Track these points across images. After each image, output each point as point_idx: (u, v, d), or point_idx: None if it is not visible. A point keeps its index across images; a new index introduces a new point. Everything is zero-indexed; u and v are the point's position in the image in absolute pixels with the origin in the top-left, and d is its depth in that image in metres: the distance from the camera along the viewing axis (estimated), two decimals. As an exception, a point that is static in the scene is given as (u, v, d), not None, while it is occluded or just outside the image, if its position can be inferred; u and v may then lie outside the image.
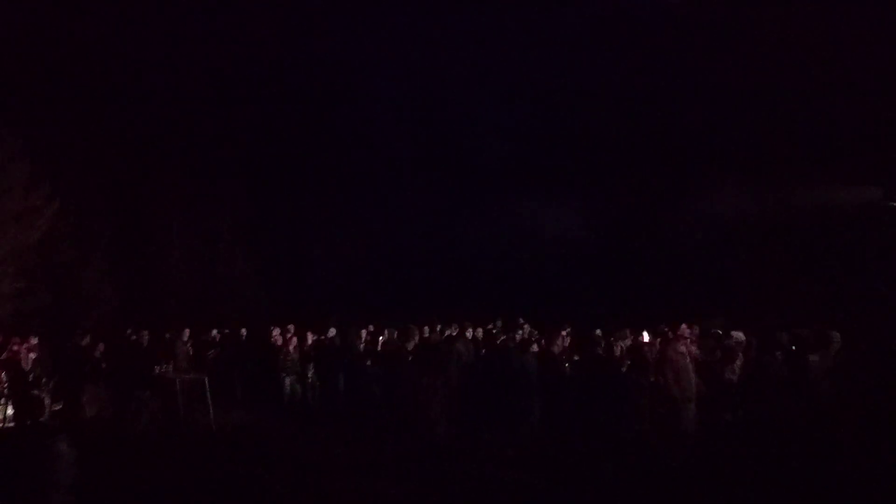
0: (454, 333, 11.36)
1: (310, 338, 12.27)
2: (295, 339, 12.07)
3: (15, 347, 10.87)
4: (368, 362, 10.68)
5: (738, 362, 8.26)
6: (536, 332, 11.66)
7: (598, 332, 10.48)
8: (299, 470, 8.04)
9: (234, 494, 7.26)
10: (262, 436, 10.18)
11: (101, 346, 11.56)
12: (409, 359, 8.41)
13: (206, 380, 11.21)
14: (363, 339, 11.89)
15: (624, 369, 8.31)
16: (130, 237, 18.28)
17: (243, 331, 13.38)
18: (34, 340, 11.33)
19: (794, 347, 8.06)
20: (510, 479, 7.47)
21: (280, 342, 12.12)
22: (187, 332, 13.26)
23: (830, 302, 14.10)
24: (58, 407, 11.00)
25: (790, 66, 16.37)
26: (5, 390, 10.65)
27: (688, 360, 8.26)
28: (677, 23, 17.81)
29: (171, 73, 19.07)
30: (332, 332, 12.26)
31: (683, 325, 9.84)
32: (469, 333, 11.28)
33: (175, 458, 8.89)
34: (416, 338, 9.24)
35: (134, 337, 12.28)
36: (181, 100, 18.96)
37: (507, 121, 21.87)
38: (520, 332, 11.66)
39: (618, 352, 9.02)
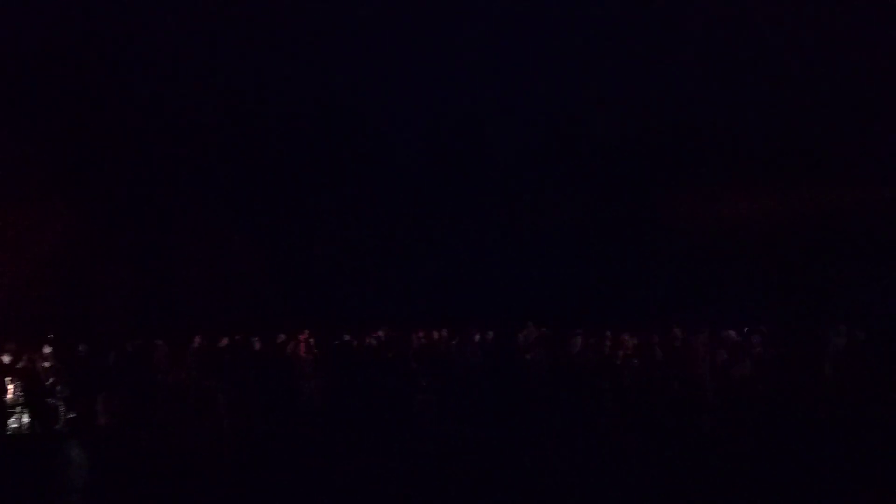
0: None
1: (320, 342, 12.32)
2: (308, 345, 12.11)
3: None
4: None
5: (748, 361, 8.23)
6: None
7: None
8: (314, 476, 8.05)
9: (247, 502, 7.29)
10: (277, 443, 10.19)
11: (112, 355, 11.65)
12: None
13: (220, 387, 11.31)
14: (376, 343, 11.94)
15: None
16: (143, 244, 18.40)
17: (256, 339, 13.41)
18: (48, 349, 11.45)
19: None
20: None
21: (294, 348, 12.16)
22: (198, 339, 13.35)
23: (830, 300, 14.02)
24: (72, 415, 11.10)
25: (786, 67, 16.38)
26: (21, 399, 10.77)
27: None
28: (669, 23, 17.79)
29: (179, 80, 19.21)
30: (347, 337, 12.32)
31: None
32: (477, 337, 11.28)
33: (188, 466, 8.89)
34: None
35: (146, 345, 12.37)
36: (191, 105, 19.07)
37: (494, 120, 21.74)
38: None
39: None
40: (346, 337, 12.59)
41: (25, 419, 10.80)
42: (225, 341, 13.07)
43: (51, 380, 10.85)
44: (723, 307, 14.12)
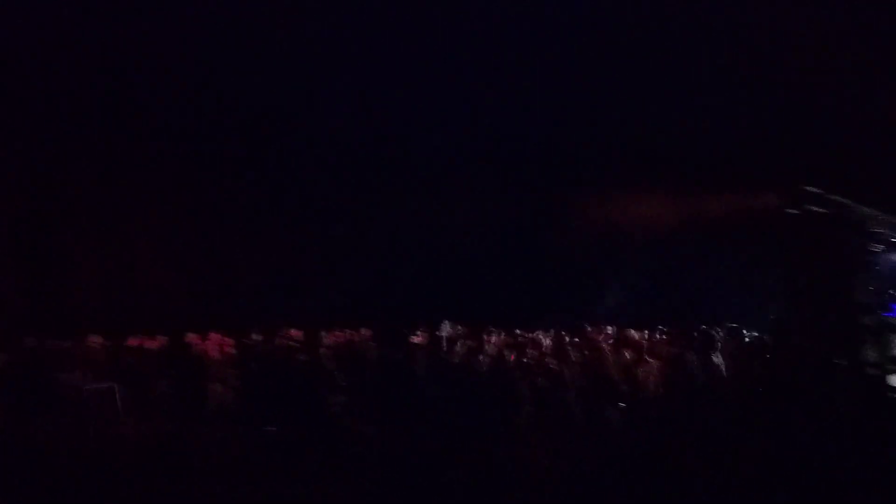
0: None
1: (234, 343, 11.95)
2: (220, 345, 11.72)
3: None
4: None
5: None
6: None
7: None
8: (220, 480, 7.80)
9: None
10: (181, 446, 9.81)
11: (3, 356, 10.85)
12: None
13: (117, 388, 10.86)
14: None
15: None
16: (38, 239, 17.15)
17: (162, 337, 12.82)
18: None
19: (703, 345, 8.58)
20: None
21: (203, 348, 11.74)
22: (97, 338, 12.65)
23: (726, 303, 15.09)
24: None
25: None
26: None
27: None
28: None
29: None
30: (257, 336, 12.02)
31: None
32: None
33: (83, 471, 8.41)
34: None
35: (37, 345, 11.58)
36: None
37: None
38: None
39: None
40: (256, 337, 12.31)
41: None
42: (130, 341, 12.46)
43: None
44: (620, 308, 14.89)
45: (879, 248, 8.93)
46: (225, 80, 19.09)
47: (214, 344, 11.79)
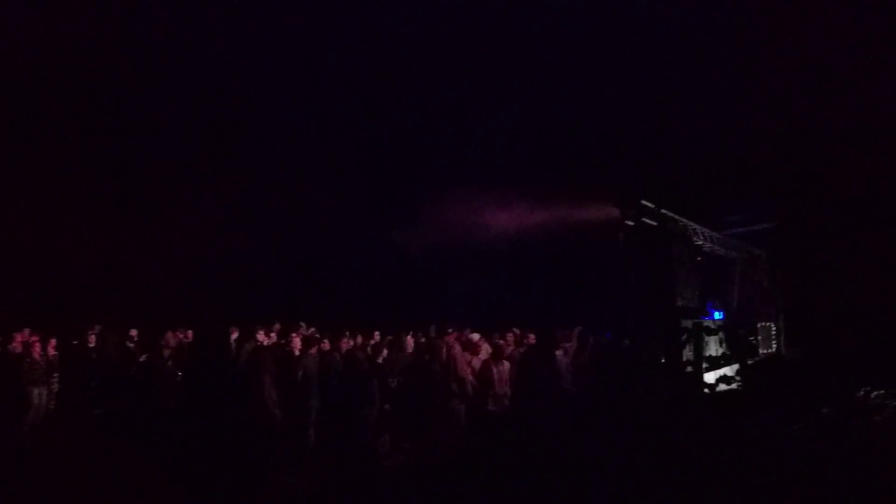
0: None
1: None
2: (38, 346, 10.54)
3: None
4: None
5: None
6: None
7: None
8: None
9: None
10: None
11: None
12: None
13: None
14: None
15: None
16: None
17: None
18: None
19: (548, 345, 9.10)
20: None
21: (21, 349, 10.52)
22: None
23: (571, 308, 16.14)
24: None
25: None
26: None
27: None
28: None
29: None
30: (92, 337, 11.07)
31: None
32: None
33: None
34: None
35: None
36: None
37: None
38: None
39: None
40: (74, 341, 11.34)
41: None
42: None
43: None
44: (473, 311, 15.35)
45: (699, 258, 9.99)
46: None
47: (34, 345, 10.64)
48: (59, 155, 18.03)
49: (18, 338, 11.10)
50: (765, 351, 12.86)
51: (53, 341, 10.76)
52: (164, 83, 18.98)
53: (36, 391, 10.07)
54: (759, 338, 12.14)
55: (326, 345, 9.29)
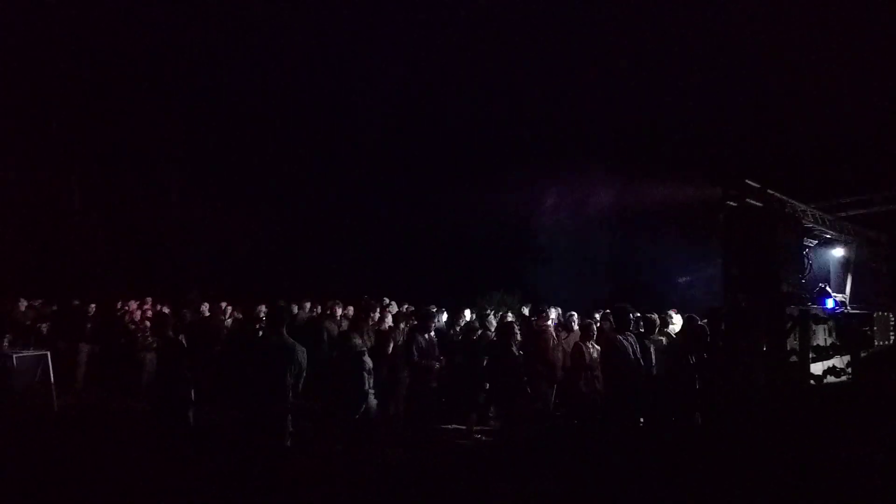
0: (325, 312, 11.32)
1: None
2: (153, 314, 11.39)
3: None
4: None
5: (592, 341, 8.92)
6: None
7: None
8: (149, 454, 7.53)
9: (75, 479, 6.78)
10: (109, 419, 9.55)
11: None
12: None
13: (49, 355, 10.50)
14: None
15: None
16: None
17: (92, 305, 12.33)
18: None
19: (641, 329, 8.83)
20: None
21: (137, 317, 11.38)
22: (24, 302, 12.15)
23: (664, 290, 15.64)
24: None
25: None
26: None
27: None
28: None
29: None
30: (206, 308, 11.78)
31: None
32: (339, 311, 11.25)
33: (11, 441, 8.13)
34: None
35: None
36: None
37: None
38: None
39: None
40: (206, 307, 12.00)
41: None
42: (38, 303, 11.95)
43: None
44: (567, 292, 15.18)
45: (809, 241, 9.33)
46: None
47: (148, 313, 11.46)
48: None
49: (133, 306, 12.02)
50: (881, 342, 11.88)
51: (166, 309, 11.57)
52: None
53: (148, 357, 10.88)
54: (875, 328, 11.22)
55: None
